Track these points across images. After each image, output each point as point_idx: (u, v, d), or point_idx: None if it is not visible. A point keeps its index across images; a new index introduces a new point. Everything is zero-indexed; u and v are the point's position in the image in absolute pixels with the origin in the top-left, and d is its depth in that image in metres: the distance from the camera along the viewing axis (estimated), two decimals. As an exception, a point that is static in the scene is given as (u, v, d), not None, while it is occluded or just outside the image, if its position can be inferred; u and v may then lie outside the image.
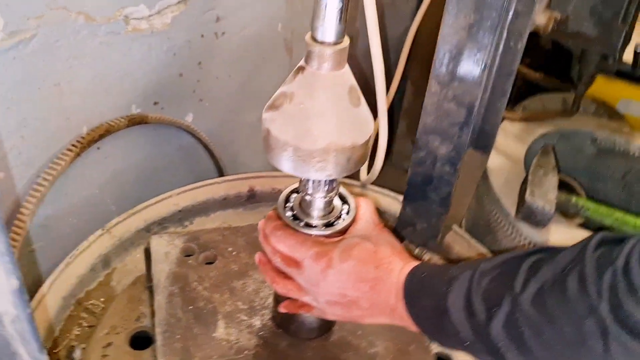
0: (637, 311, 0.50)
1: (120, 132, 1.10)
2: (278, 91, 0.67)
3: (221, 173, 1.36)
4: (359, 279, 0.72)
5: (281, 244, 0.74)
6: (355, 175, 0.92)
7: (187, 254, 0.97)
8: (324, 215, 0.76)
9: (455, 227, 1.12)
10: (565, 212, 1.23)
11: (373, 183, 1.21)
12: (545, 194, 1.16)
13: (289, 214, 0.76)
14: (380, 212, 1.17)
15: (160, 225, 1.10)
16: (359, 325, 0.89)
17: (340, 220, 0.76)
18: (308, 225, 0.74)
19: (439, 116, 0.87)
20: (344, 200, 0.79)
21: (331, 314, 0.77)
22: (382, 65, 0.86)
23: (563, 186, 1.29)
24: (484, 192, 1.35)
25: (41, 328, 0.91)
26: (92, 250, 1.02)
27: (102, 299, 1.01)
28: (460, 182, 0.96)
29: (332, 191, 0.73)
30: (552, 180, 1.19)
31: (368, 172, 1.16)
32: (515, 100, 1.59)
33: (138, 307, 0.96)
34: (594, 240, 0.57)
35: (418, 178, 0.99)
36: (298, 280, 0.74)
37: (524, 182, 1.21)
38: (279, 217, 0.75)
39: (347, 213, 0.77)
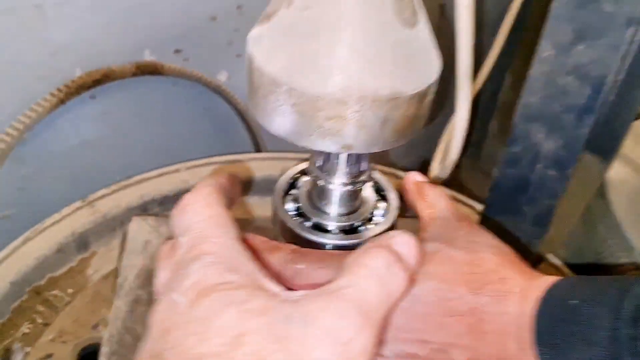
0: None
1: (125, 81, 0.86)
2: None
3: (258, 149, 1.10)
4: (445, 312, 0.39)
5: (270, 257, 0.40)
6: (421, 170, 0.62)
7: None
8: (344, 215, 0.47)
9: (551, 256, 0.81)
10: None
11: (446, 184, 0.90)
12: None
13: (290, 206, 0.48)
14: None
15: (162, 205, 0.86)
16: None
17: (371, 225, 0.48)
18: (318, 229, 0.46)
19: (550, 95, 0.58)
20: (380, 192, 0.50)
21: None
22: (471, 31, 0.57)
23: None
24: (598, 212, 1.01)
25: (-30, 319, 0.68)
26: (63, 225, 0.78)
27: (69, 290, 0.77)
28: (569, 195, 0.67)
29: (359, 176, 0.45)
30: None
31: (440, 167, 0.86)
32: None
33: (100, 309, 0.72)
34: None
35: (508, 183, 0.71)
36: None
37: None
38: (274, 212, 0.47)
39: (384, 215, 0.49)
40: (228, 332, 0.31)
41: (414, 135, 0.39)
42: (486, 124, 1.66)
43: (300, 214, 0.47)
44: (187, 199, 0.39)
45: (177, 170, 0.87)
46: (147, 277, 0.68)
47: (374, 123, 0.36)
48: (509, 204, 0.76)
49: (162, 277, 0.38)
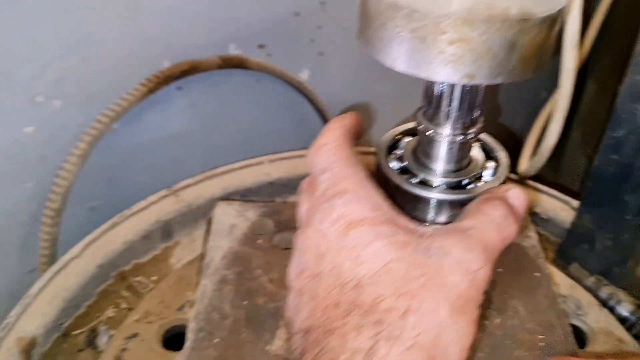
0: None
1: (211, 74, 0.87)
2: None
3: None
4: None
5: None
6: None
7: (260, 232, 0.70)
8: (452, 172, 0.44)
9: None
10: None
11: (535, 179, 0.85)
12: None
13: (394, 165, 0.45)
14: (543, 220, 0.81)
15: (244, 197, 0.85)
16: None
17: (480, 183, 0.44)
18: (423, 184, 0.43)
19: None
20: (489, 154, 0.47)
21: None
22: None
23: None
24: None
25: (59, 300, 0.68)
26: (149, 212, 0.79)
27: (153, 278, 0.77)
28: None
29: (471, 126, 0.42)
30: None
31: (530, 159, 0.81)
32: None
33: (185, 292, 0.71)
34: None
35: (608, 170, 0.67)
36: None
37: None
38: (378, 170, 0.45)
39: (493, 175, 0.45)
40: (378, 259, 0.37)
41: (538, 71, 0.36)
42: (567, 133, 1.58)
43: (405, 171, 0.45)
44: (322, 140, 0.44)
45: (260, 163, 0.86)
46: (234, 259, 0.66)
47: (500, 48, 0.33)
48: (609, 195, 0.70)
49: (304, 208, 0.44)
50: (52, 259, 0.82)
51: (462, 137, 0.42)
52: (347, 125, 0.45)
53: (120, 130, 0.85)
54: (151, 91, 0.81)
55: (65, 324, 0.70)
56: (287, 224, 0.71)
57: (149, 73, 0.82)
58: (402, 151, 0.46)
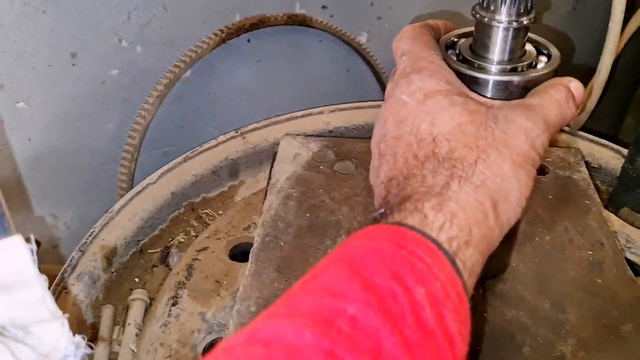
0: None
1: (277, 29, 0.93)
2: None
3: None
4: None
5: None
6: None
7: (321, 159, 0.75)
8: (508, 61, 0.48)
9: None
10: None
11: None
12: None
13: (454, 57, 0.50)
14: (594, 169, 0.83)
15: (304, 144, 0.90)
16: (541, 280, 0.58)
17: (533, 70, 0.48)
18: (480, 69, 0.47)
19: None
20: (540, 50, 0.51)
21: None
22: None
23: None
24: None
25: (137, 218, 0.75)
26: (218, 150, 0.85)
27: (220, 212, 0.83)
28: None
29: (525, 13, 0.46)
30: None
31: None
32: None
33: (252, 215, 0.76)
34: None
35: None
36: None
37: None
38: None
39: (547, 63, 0.49)
40: (451, 121, 0.43)
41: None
42: (621, 119, 1.57)
43: (462, 61, 0.49)
44: (403, 30, 0.51)
45: (320, 112, 0.91)
46: (297, 180, 0.71)
47: None
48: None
49: (388, 86, 0.49)
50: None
51: (516, 23, 0.46)
52: (428, 22, 0.52)
53: (193, 80, 0.92)
54: (223, 41, 0.88)
55: (142, 242, 0.76)
56: (347, 154, 0.76)
57: (222, 25, 0.89)
58: (459, 49, 0.50)
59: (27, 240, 0.32)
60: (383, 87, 1.10)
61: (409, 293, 0.34)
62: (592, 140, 0.85)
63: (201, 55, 0.87)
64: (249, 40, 0.93)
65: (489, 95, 0.47)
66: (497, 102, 0.46)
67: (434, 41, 0.50)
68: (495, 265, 0.58)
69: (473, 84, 0.47)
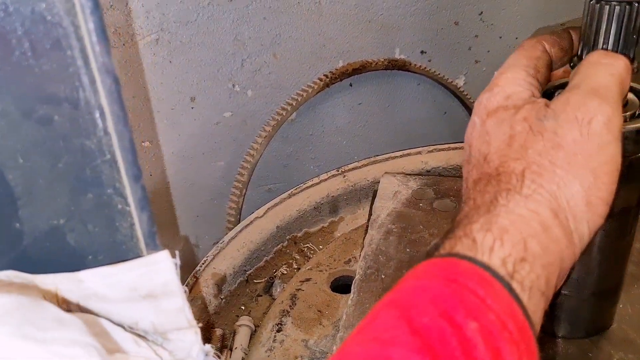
0: None
1: (377, 73, 0.98)
2: None
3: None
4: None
5: None
6: None
7: (421, 197, 0.77)
8: None
9: None
10: None
11: None
12: None
13: None
14: None
15: (402, 183, 0.93)
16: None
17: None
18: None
19: None
20: None
21: None
22: None
23: None
24: None
25: (245, 250, 0.80)
26: (320, 187, 0.90)
27: (320, 246, 0.87)
28: None
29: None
30: None
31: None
32: None
33: (352, 249, 0.79)
34: None
35: None
36: None
37: None
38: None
39: None
40: (503, 136, 0.41)
41: None
42: None
43: None
44: (522, 42, 0.48)
45: (418, 152, 0.94)
46: (397, 217, 0.74)
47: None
48: None
49: None
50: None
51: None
52: (552, 37, 0.48)
53: (297, 121, 0.98)
54: (327, 85, 0.94)
55: (249, 272, 0.81)
56: (446, 193, 0.78)
57: (327, 70, 0.94)
58: None
59: (173, 255, 0.37)
60: (480, 128, 1.11)
61: (458, 330, 0.32)
62: None
63: (306, 98, 0.92)
64: (350, 85, 0.98)
65: None
66: (542, 99, 0.43)
67: (542, 58, 0.46)
68: (598, 320, 0.57)
69: None
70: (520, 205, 0.37)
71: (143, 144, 0.93)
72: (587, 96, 0.40)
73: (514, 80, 0.44)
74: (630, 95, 0.52)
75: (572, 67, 0.49)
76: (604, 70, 0.42)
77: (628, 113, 0.49)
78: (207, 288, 0.75)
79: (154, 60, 0.87)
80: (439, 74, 1.02)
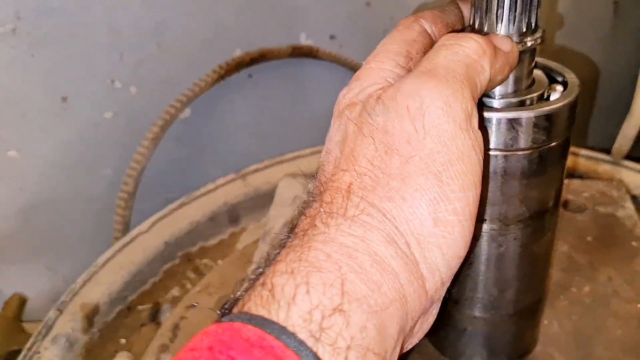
0: None
1: (281, 63, 0.87)
2: None
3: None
4: None
5: None
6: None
7: (324, 203, 0.67)
8: (511, 93, 0.39)
9: None
10: None
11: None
12: None
13: None
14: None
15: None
16: (580, 341, 0.48)
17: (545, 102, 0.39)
18: (479, 104, 0.38)
19: None
20: (553, 77, 0.42)
21: None
22: None
23: None
24: None
25: (125, 272, 0.68)
26: (216, 194, 0.78)
27: (219, 261, 0.75)
28: None
29: (529, 32, 0.37)
30: None
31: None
32: None
33: (247, 267, 0.68)
34: None
35: None
36: None
37: None
38: None
39: (563, 92, 0.40)
40: (337, 140, 0.34)
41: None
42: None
43: None
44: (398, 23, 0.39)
45: (329, 149, 0.84)
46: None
47: None
48: None
49: None
50: (125, 243, 0.83)
51: (519, 45, 0.37)
52: (434, 12, 0.40)
53: (192, 120, 0.87)
54: (222, 77, 0.83)
55: (130, 298, 0.70)
56: (352, 196, 0.68)
57: (222, 61, 0.83)
58: None
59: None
60: (402, 120, 1.02)
61: None
62: (639, 171, 0.75)
63: (199, 93, 0.81)
64: (250, 76, 0.87)
65: (492, 138, 0.37)
66: (378, 91, 0.33)
67: (418, 41, 0.37)
68: (519, 344, 0.48)
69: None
70: (343, 231, 0.28)
71: (8, 153, 0.79)
72: (419, 80, 0.31)
73: (377, 72, 0.35)
74: (538, 73, 0.43)
75: None
76: (446, 51, 0.33)
77: (535, 94, 0.40)
78: (73, 322, 0.63)
79: (12, 54, 0.74)
80: (352, 60, 0.92)
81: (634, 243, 0.58)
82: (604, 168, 0.77)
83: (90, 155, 0.83)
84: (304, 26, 0.88)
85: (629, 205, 0.63)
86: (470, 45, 0.33)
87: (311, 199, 0.31)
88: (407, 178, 0.29)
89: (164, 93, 0.82)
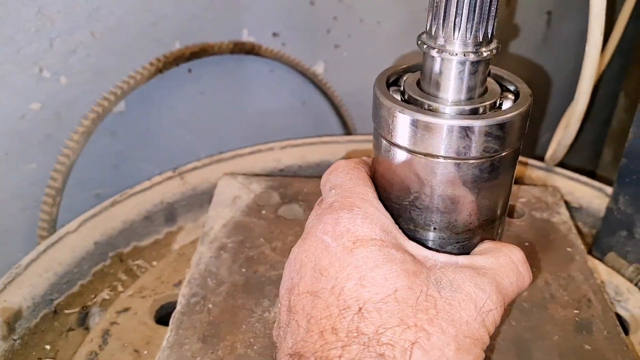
0: None
1: (222, 58, 0.85)
2: None
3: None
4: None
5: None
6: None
7: (264, 203, 0.65)
8: (464, 100, 0.39)
9: None
10: None
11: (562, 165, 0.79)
12: None
13: (397, 97, 0.40)
14: (574, 209, 0.74)
15: (253, 184, 0.80)
16: (519, 346, 0.49)
17: (498, 111, 0.39)
18: (432, 111, 0.38)
19: None
20: (505, 86, 0.42)
21: None
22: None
23: None
24: None
25: (51, 274, 0.64)
26: (152, 192, 0.75)
27: (154, 263, 0.72)
28: None
29: (484, 42, 0.37)
30: None
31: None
32: None
33: (185, 268, 0.66)
34: None
35: None
36: None
37: None
38: (377, 105, 0.40)
39: (514, 102, 0.40)
40: (385, 284, 0.34)
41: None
42: (599, 153, 1.51)
43: (409, 102, 0.40)
44: (338, 163, 0.43)
45: (270, 149, 0.82)
46: (235, 228, 0.62)
47: None
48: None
49: (310, 220, 0.40)
50: (51, 242, 0.78)
51: (474, 55, 0.37)
52: (364, 159, 0.44)
53: (128, 114, 0.83)
54: (160, 71, 0.79)
55: (57, 301, 0.65)
56: (294, 197, 0.67)
57: (160, 53, 0.80)
58: (404, 87, 0.41)
59: None
60: (342, 120, 1.01)
61: None
62: (571, 178, 0.77)
63: (134, 86, 0.77)
64: (190, 71, 0.84)
65: (443, 146, 0.37)
66: (440, 260, 0.37)
67: (370, 180, 0.41)
68: None
69: (423, 130, 0.37)
70: None
71: None
72: (491, 290, 0.36)
73: (377, 207, 0.38)
74: (490, 81, 0.43)
75: (420, 46, 0.39)
76: (517, 275, 0.38)
77: (487, 103, 0.40)
78: (-7, 328, 0.58)
79: None
80: (295, 59, 0.91)
81: (568, 248, 0.60)
82: (538, 175, 0.79)
83: (14, 148, 0.77)
84: (246, 22, 0.86)
85: (564, 211, 0.65)
86: (520, 257, 0.39)
87: (326, 334, 0.33)
88: (452, 352, 0.33)
89: (97, 85, 0.78)
